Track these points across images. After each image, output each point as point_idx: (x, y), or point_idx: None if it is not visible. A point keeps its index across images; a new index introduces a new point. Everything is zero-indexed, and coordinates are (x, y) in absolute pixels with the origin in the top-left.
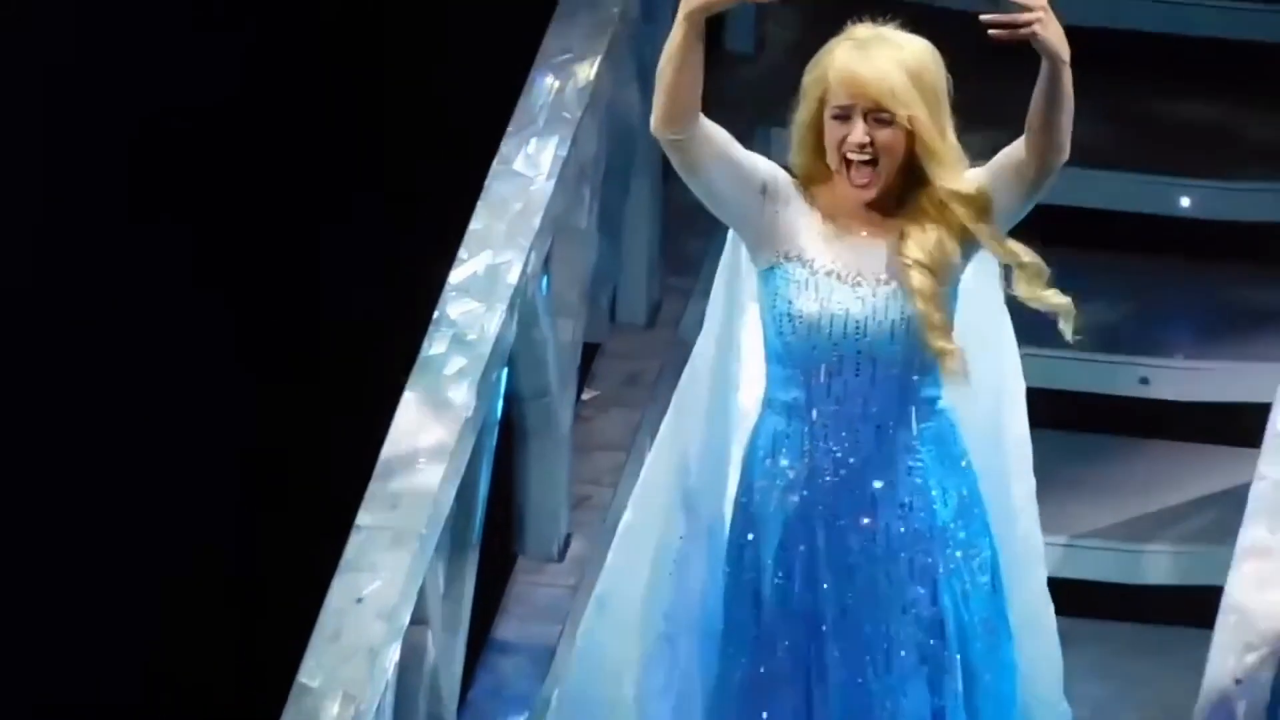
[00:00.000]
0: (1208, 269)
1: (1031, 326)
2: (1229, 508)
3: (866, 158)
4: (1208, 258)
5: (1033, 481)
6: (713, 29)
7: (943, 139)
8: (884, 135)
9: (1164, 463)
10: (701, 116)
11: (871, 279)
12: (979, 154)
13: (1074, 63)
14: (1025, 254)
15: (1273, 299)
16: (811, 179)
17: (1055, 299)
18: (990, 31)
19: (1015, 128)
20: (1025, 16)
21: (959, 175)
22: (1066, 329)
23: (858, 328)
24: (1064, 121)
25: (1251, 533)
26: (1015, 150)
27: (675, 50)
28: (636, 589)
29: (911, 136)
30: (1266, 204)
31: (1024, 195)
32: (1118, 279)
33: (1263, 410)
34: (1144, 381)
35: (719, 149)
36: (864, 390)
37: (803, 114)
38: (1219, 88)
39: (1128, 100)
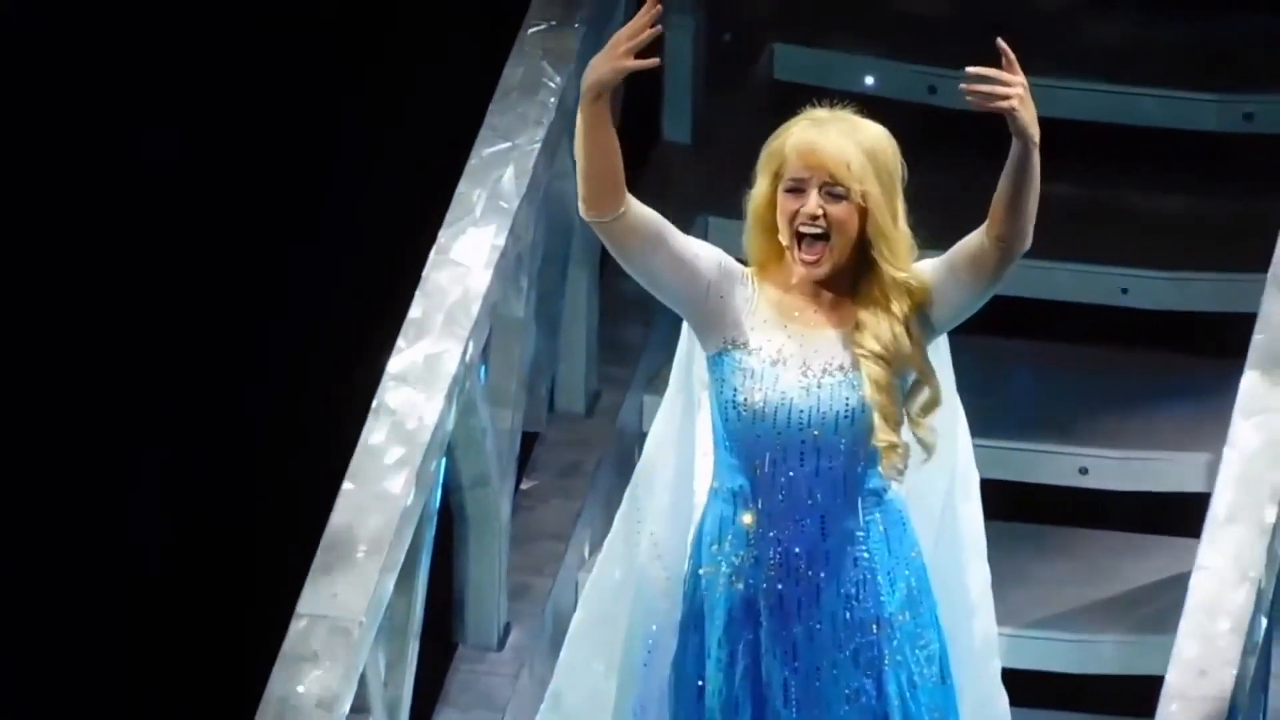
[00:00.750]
0: (1147, 358)
1: (974, 416)
2: (1169, 597)
3: (819, 230)
4: (1147, 347)
5: (988, 572)
6: (651, 119)
7: (894, 222)
8: (838, 210)
9: (1104, 552)
10: (632, 200)
11: (818, 369)
12: (934, 231)
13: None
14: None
15: (1211, 388)
16: (763, 261)
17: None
18: (967, 94)
19: (955, 219)
20: (1004, 90)
21: (907, 263)
22: (892, 468)
23: (802, 417)
24: (1029, 206)
25: (1192, 621)
26: (973, 240)
27: (581, 134)
28: (591, 684)
29: (864, 216)
30: (1205, 294)
31: (982, 286)
32: (1057, 368)
33: (1202, 500)
34: (1083, 471)
35: (653, 233)
36: (809, 480)
37: (757, 189)
38: (1159, 178)
39: (1068, 190)
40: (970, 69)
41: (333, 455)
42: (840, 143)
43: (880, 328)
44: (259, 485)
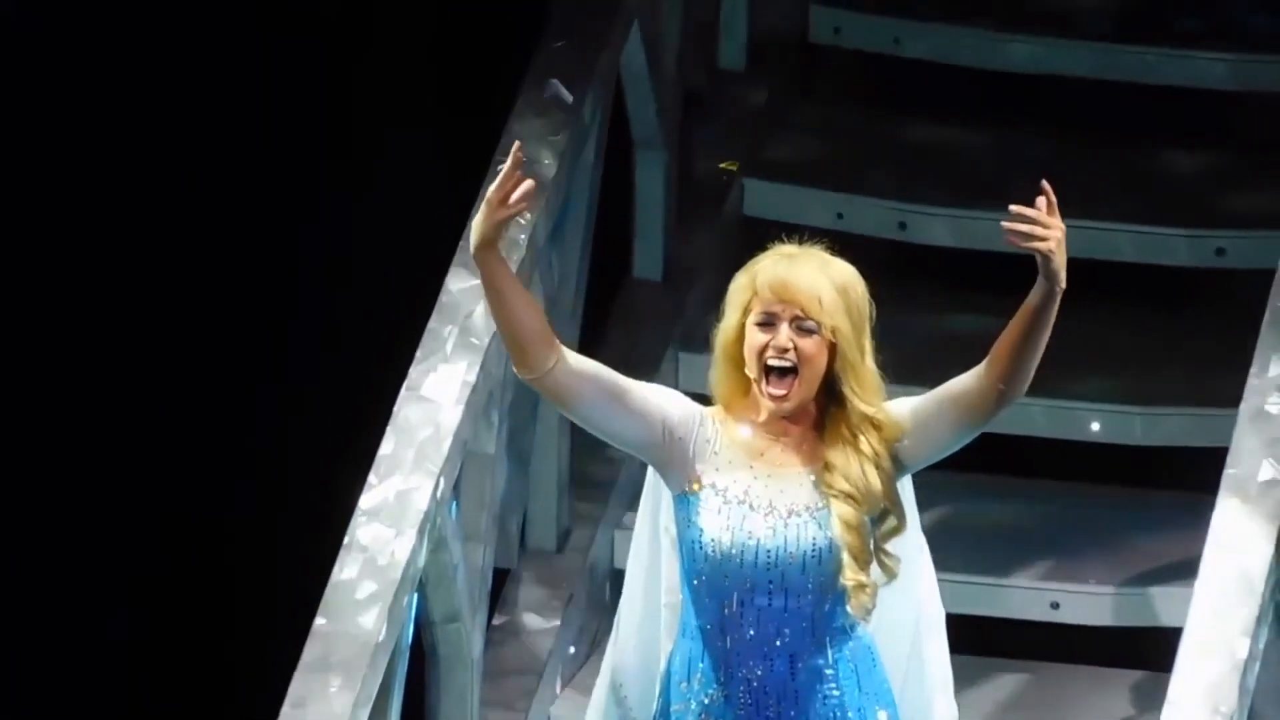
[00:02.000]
0: (1118, 493)
1: (946, 553)
2: None
3: (788, 364)
4: (1118, 482)
5: (954, 708)
6: (622, 256)
7: (863, 359)
8: (807, 344)
9: (1075, 686)
10: (565, 353)
11: (784, 509)
12: (905, 366)
13: (985, 289)
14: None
15: (1183, 523)
16: (729, 398)
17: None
18: (1007, 232)
19: (924, 356)
20: (1043, 233)
21: (876, 400)
22: (860, 607)
23: (769, 557)
24: (1038, 352)
25: None
26: (968, 381)
27: (486, 292)
28: None
29: (833, 352)
30: (1176, 428)
31: (971, 427)
32: (1029, 503)
33: (1174, 634)
34: (1055, 606)
35: (592, 384)
36: (776, 618)
37: (726, 323)
38: (1129, 311)
39: None
40: (1013, 207)
41: (305, 591)
42: (812, 278)
43: (850, 467)
44: (233, 620)
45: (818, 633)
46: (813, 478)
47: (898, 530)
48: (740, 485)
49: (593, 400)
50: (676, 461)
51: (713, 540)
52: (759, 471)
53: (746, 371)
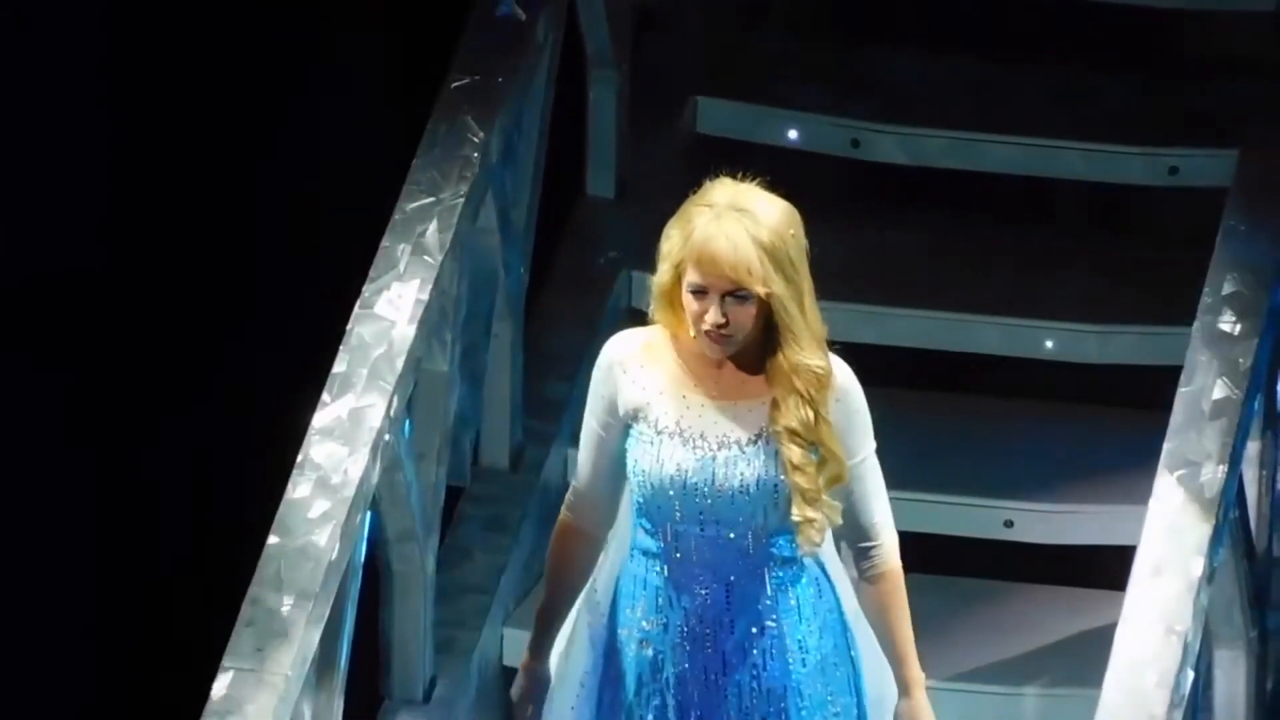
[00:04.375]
0: (1072, 411)
1: (900, 469)
2: (1094, 651)
3: (724, 334)
4: (1072, 400)
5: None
6: (575, 173)
7: (801, 312)
8: (741, 312)
9: (1029, 606)
10: (606, 519)
11: (714, 441)
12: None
13: (937, 207)
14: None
15: (1136, 441)
16: (671, 325)
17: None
18: None
19: (878, 272)
20: None
21: (813, 349)
22: (808, 542)
23: (696, 489)
24: None
25: (1117, 675)
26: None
27: None
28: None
29: (772, 304)
30: (1129, 346)
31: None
32: (982, 422)
33: (1127, 553)
34: (1008, 525)
35: (608, 472)
36: (710, 549)
37: (660, 277)
38: (1082, 230)
39: (992, 244)
40: None
41: (258, 510)
42: (741, 247)
43: (795, 406)
44: (183, 539)
45: (754, 564)
46: (749, 411)
47: (839, 479)
48: (671, 416)
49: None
50: (622, 404)
51: (644, 472)
52: (692, 402)
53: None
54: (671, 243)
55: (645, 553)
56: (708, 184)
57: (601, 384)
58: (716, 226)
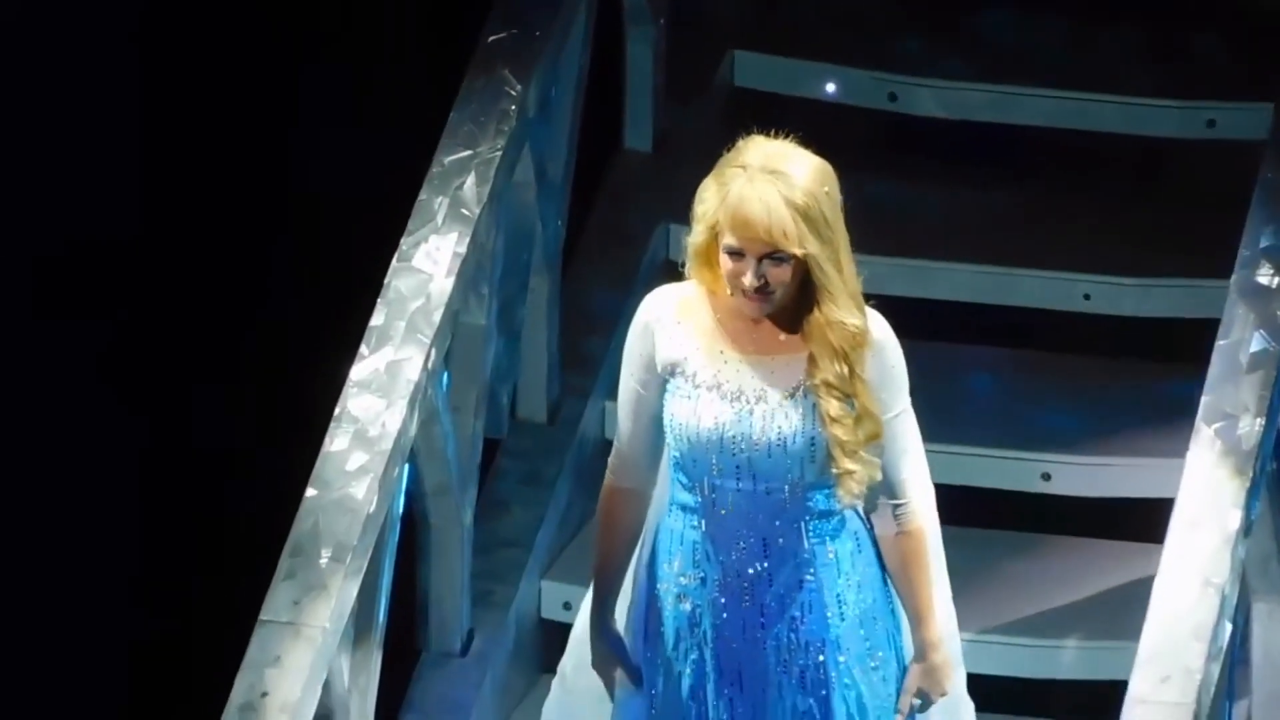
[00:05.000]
0: (1109, 364)
1: (937, 423)
2: (1132, 603)
3: (762, 295)
4: (1109, 353)
5: (948, 584)
6: (612, 127)
7: (837, 270)
8: (778, 272)
9: (1066, 558)
10: (650, 476)
11: (752, 395)
12: (896, 239)
13: (975, 161)
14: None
15: (1173, 394)
16: (708, 282)
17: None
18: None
19: (915, 225)
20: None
21: (849, 306)
22: (848, 494)
23: (734, 443)
24: None
25: (1155, 627)
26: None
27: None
28: None
29: (809, 264)
30: (1167, 300)
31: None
32: (1020, 374)
33: (1165, 505)
34: (1046, 477)
35: (649, 430)
36: (748, 503)
37: (695, 238)
38: (1120, 184)
39: (1029, 197)
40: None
41: (296, 463)
42: (774, 211)
43: (831, 361)
44: (223, 491)
45: (792, 517)
46: (787, 365)
47: (875, 436)
48: (708, 371)
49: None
50: (660, 361)
51: (681, 426)
52: (729, 357)
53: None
54: (706, 205)
55: (683, 508)
56: (741, 143)
57: (638, 341)
58: (750, 189)
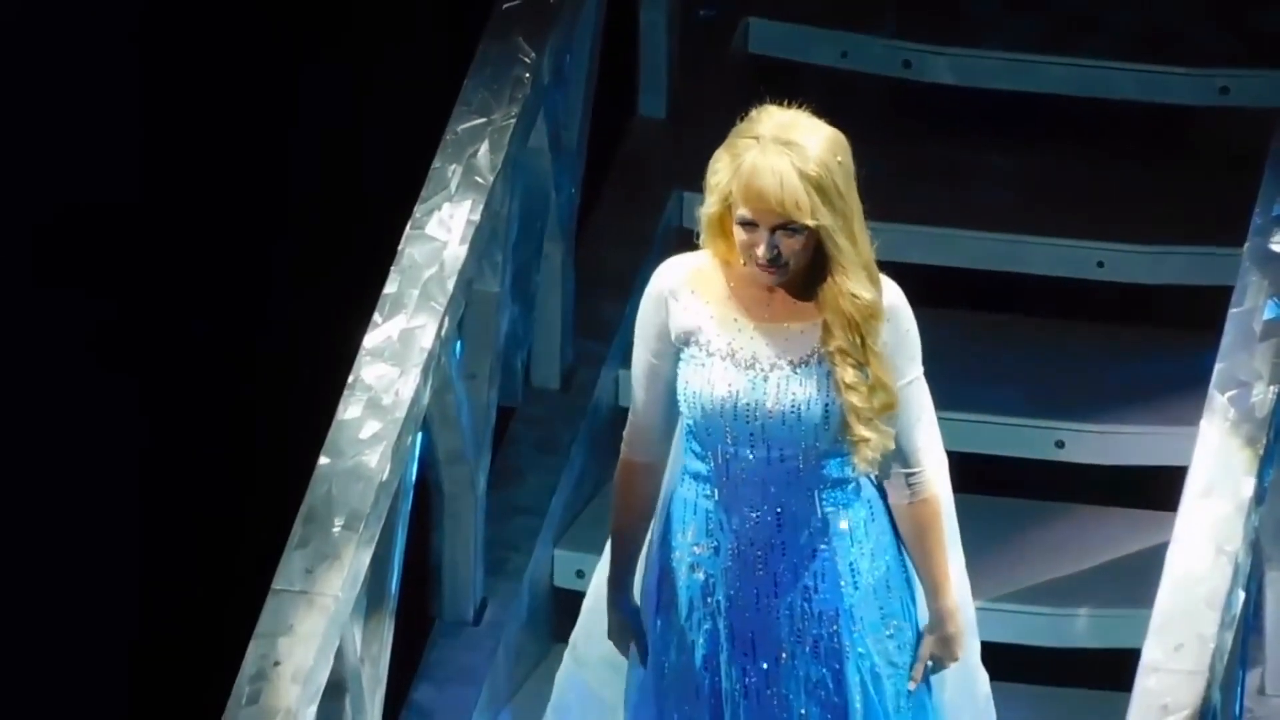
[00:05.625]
0: (1123, 332)
1: (951, 390)
2: (1145, 571)
3: (775, 266)
4: (1123, 321)
5: (961, 553)
6: (627, 94)
7: (851, 242)
8: (793, 243)
9: (1080, 526)
10: (662, 449)
11: (766, 363)
12: (910, 206)
13: (988, 129)
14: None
15: (1187, 362)
16: (722, 251)
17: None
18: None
19: (928, 192)
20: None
21: (861, 278)
22: (864, 460)
23: (748, 411)
24: None
25: (1168, 595)
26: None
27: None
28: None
29: (822, 235)
30: (1180, 267)
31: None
32: (1034, 343)
33: (1178, 473)
34: (1060, 445)
35: (664, 402)
36: (761, 472)
37: (709, 208)
38: (1133, 152)
39: (1041, 164)
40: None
41: (310, 431)
42: (787, 183)
43: (845, 329)
44: (235, 459)
45: (805, 486)
46: (801, 333)
47: (890, 407)
48: (723, 339)
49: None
50: (674, 330)
51: (695, 394)
52: (743, 325)
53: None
54: (719, 176)
55: (695, 477)
56: (753, 113)
57: (652, 312)
58: (763, 161)
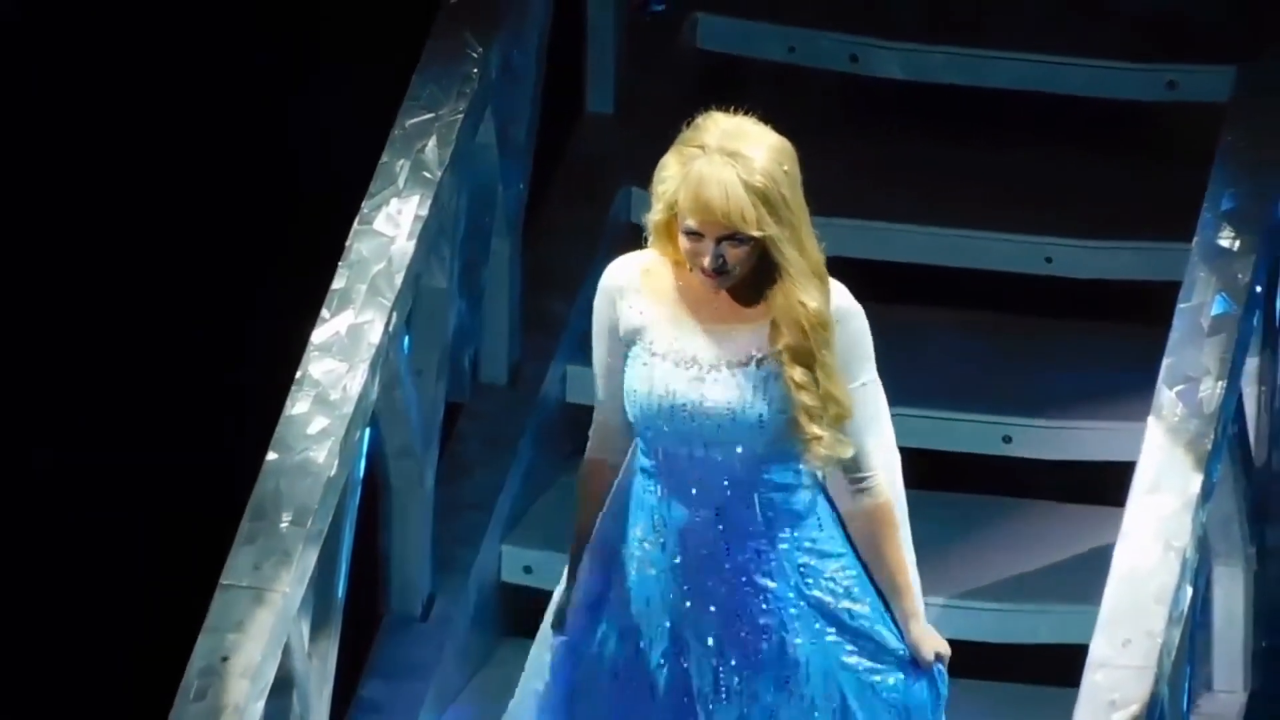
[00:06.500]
0: (1071, 328)
1: (899, 385)
2: (1093, 566)
3: (720, 274)
4: (1072, 316)
5: (913, 555)
6: (574, 89)
7: (798, 250)
8: (736, 253)
9: (1028, 522)
10: (622, 449)
11: (705, 364)
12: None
13: (936, 124)
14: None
15: (1135, 358)
16: (669, 252)
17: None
18: None
19: (877, 186)
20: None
21: (809, 286)
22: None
23: (685, 411)
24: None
25: (1116, 591)
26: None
27: None
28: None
29: (767, 244)
30: (1129, 263)
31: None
32: (982, 337)
33: (1126, 469)
34: (1007, 440)
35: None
36: (700, 471)
37: (655, 215)
38: (1084, 146)
39: (992, 159)
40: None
41: (258, 426)
42: (732, 196)
43: (794, 327)
44: (183, 455)
45: (747, 488)
46: (748, 334)
47: (841, 418)
48: (666, 339)
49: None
50: (621, 330)
51: (634, 392)
52: (688, 326)
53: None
54: (665, 185)
55: (644, 472)
56: (700, 120)
57: (603, 311)
58: (709, 171)
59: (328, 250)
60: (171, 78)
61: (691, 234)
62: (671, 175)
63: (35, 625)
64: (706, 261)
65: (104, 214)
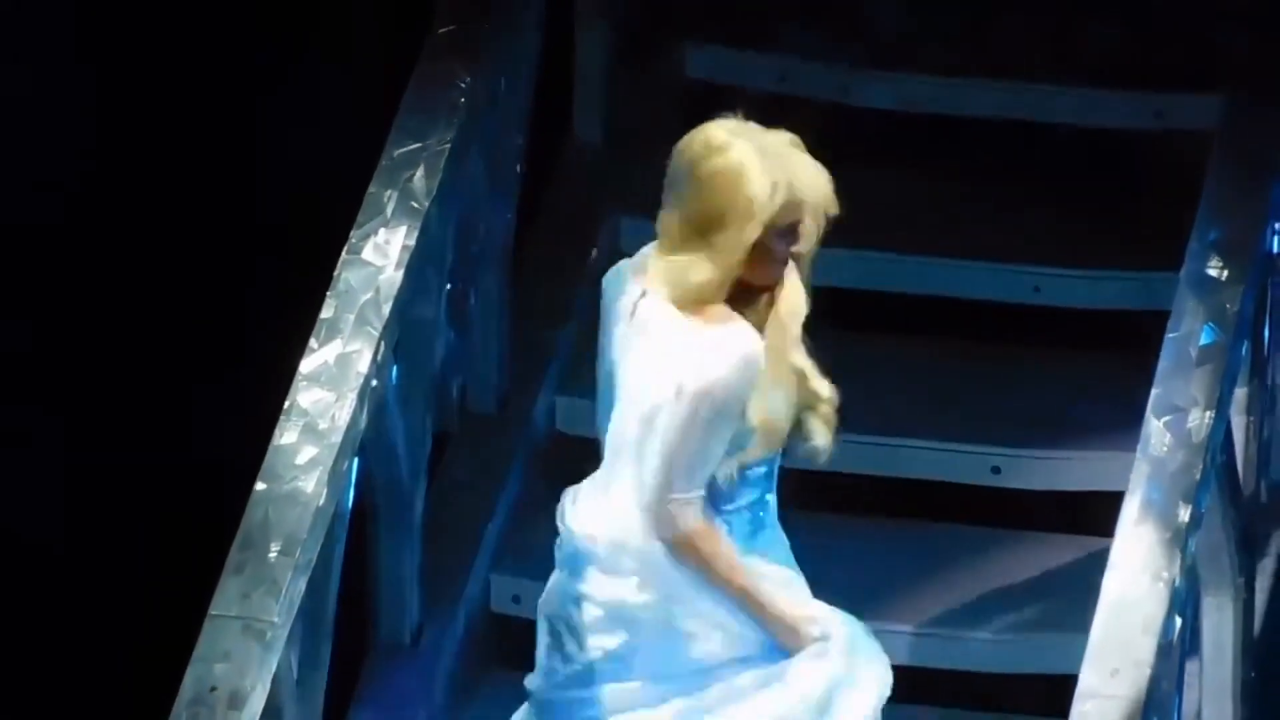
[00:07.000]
0: (1060, 356)
1: (887, 414)
2: (1082, 596)
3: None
4: (1060, 346)
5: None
6: (563, 118)
7: None
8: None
9: (1016, 552)
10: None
11: None
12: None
13: (926, 153)
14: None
15: (1124, 387)
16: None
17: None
18: None
19: (867, 218)
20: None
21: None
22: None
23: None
24: None
25: (1104, 621)
26: None
27: None
28: None
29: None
30: (1117, 292)
31: None
32: (970, 368)
33: (1115, 499)
34: (995, 471)
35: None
36: None
37: (736, 239)
38: (1070, 176)
39: (979, 189)
40: None
41: (246, 456)
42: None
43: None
44: (173, 484)
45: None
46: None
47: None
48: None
49: None
50: None
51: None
52: None
53: (750, 277)
54: (784, 198)
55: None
56: (728, 133)
57: (747, 389)
58: (798, 155)
59: (317, 280)
60: (157, 104)
61: (791, 230)
62: (783, 188)
63: (35, 625)
64: (802, 244)
65: (80, 242)
